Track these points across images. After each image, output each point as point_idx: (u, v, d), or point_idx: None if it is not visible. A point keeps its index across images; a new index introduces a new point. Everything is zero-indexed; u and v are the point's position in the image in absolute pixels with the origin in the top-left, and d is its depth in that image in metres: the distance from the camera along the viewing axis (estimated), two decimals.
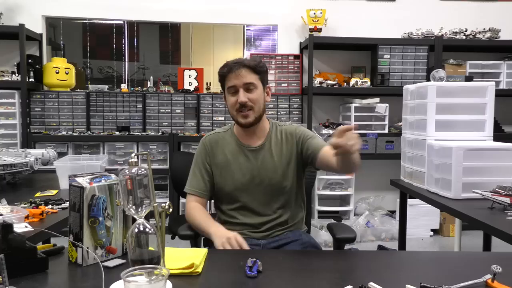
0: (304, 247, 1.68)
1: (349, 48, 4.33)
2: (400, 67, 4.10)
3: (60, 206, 1.76)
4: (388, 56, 4.09)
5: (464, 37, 4.20)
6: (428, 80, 2.86)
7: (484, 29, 4.20)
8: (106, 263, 1.19)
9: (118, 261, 1.22)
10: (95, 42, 6.04)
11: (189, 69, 4.32)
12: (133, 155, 1.11)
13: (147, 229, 1.08)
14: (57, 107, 4.01)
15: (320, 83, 4.12)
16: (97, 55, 6.15)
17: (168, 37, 6.24)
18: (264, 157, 1.71)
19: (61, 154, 3.22)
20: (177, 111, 4.10)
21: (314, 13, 4.14)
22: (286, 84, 4.25)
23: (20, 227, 1.40)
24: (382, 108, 4.09)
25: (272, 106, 4.13)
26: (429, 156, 2.49)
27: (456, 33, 4.20)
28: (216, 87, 4.48)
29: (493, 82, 2.61)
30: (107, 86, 4.75)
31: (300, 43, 4.34)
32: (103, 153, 3.90)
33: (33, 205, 1.74)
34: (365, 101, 4.08)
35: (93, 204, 1.20)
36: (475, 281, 1.09)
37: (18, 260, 1.10)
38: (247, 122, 1.67)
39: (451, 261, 1.39)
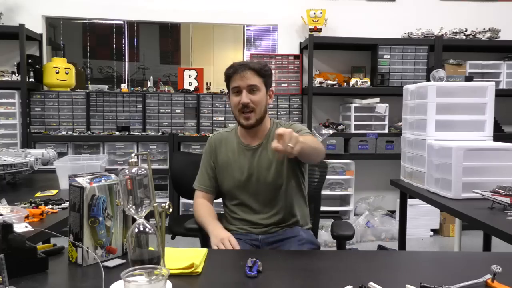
0: (301, 243, 1.68)
1: (349, 48, 4.33)
2: (400, 67, 4.10)
3: (60, 206, 1.76)
4: (388, 56, 4.09)
5: (464, 37, 4.20)
6: (428, 80, 2.86)
7: (484, 29, 4.20)
8: (106, 263, 1.19)
9: (118, 261, 1.22)
10: (95, 42, 6.04)
11: (189, 69, 4.32)
12: (133, 155, 1.11)
13: (147, 229, 1.08)
14: (57, 107, 4.01)
15: (320, 83, 4.12)
16: (97, 55, 6.15)
17: (168, 37, 6.24)
18: (261, 156, 1.76)
19: (61, 154, 3.22)
20: (177, 111, 4.10)
21: (314, 13, 4.14)
22: (286, 84, 4.25)
23: (20, 227, 1.40)
24: (382, 108, 4.09)
25: (272, 106, 4.13)
26: (429, 156, 2.49)
27: (456, 33, 4.20)
28: (216, 87, 4.48)
29: (493, 82, 2.61)
30: (107, 86, 4.75)
31: (300, 43, 4.34)
32: (103, 153, 3.90)
33: (33, 205, 1.74)
34: (365, 101, 4.08)
35: (93, 204, 1.20)
36: (475, 281, 1.09)
37: (18, 260, 1.10)
38: (249, 124, 1.72)
39: (451, 261, 1.39)
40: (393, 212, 4.21)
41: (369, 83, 4.11)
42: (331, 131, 4.01)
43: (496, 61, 4.26)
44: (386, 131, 4.13)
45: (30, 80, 3.92)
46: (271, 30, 4.78)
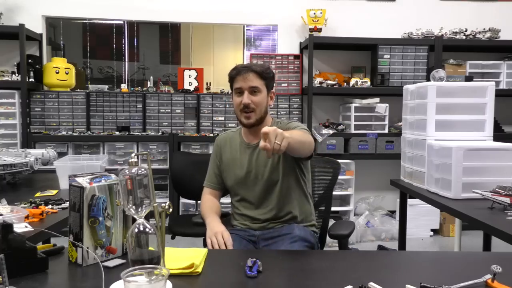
0: (293, 241, 1.70)
1: (349, 48, 4.33)
2: (400, 67, 4.10)
3: (60, 206, 1.77)
4: (388, 56, 4.09)
5: (464, 37, 4.20)
6: (428, 80, 2.86)
7: (484, 29, 4.20)
8: (106, 263, 1.19)
9: (118, 261, 1.22)
10: (95, 42, 6.04)
11: (189, 69, 4.32)
12: (133, 155, 1.11)
13: (147, 229, 1.08)
14: (57, 107, 4.01)
15: (320, 83, 4.12)
16: (97, 55, 6.15)
17: (168, 37, 6.24)
18: (259, 153, 1.82)
19: (61, 154, 3.22)
20: (177, 111, 4.10)
21: (314, 13, 4.14)
22: (286, 84, 4.25)
23: (20, 227, 1.40)
24: (382, 108, 4.09)
25: (272, 106, 4.12)
26: (429, 156, 2.49)
27: (456, 33, 4.20)
28: (216, 87, 4.48)
29: (493, 82, 2.61)
30: (107, 86, 4.75)
31: (300, 43, 4.34)
32: (103, 153, 3.90)
33: (33, 205, 1.74)
34: (365, 101, 4.08)
35: (93, 204, 1.20)
36: (475, 281, 1.09)
37: (18, 260, 1.10)
38: (249, 123, 1.80)
39: (451, 261, 1.39)
40: (393, 212, 4.21)
41: (369, 83, 4.11)
42: (331, 131, 4.01)
43: (496, 61, 4.26)
44: (386, 131, 4.13)
45: (30, 80, 3.92)
46: (271, 30, 4.78)
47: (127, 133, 4.03)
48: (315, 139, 3.92)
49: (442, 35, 4.18)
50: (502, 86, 4.18)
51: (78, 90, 4.21)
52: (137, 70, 6.17)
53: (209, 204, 1.89)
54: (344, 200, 4.25)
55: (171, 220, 3.01)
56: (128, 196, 1.07)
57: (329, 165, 2.12)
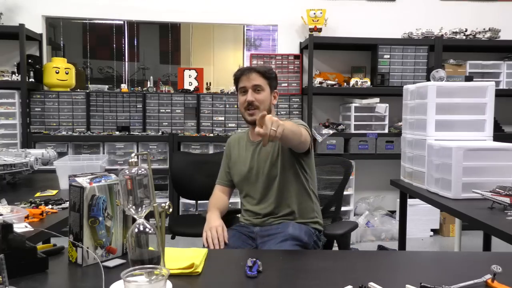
0: (284, 239, 1.71)
1: (349, 48, 4.33)
2: (400, 67, 4.10)
3: (60, 206, 1.77)
4: (388, 56, 4.09)
5: (464, 37, 4.20)
6: (428, 80, 2.86)
7: (484, 29, 4.20)
8: (106, 263, 1.19)
9: (118, 261, 1.22)
10: (95, 42, 6.03)
11: (189, 69, 4.32)
12: (133, 155, 1.11)
13: (147, 229, 1.08)
14: (57, 107, 4.01)
15: (320, 83, 4.12)
16: (97, 55, 6.15)
17: (168, 37, 6.24)
18: (261, 150, 1.89)
19: (61, 154, 3.22)
20: (177, 111, 4.10)
21: (314, 13, 4.14)
22: (286, 84, 4.25)
23: (20, 227, 1.40)
24: (382, 108, 4.09)
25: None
26: (429, 156, 2.49)
27: (456, 33, 4.20)
28: (216, 87, 4.48)
29: (493, 82, 2.61)
30: (107, 86, 4.75)
31: (300, 43, 4.34)
32: (103, 153, 3.90)
33: (33, 205, 1.74)
34: (365, 101, 4.08)
35: (93, 204, 1.20)
36: (475, 281, 1.09)
37: (18, 260, 1.10)
38: (252, 120, 1.84)
39: (451, 261, 1.39)
40: (393, 212, 4.21)
41: (369, 83, 4.11)
42: (331, 131, 4.01)
43: (496, 61, 4.26)
44: (386, 131, 4.13)
45: (30, 80, 3.92)
46: (271, 30, 4.77)
47: (127, 133, 4.03)
48: (315, 139, 3.93)
49: (442, 35, 4.18)
50: (502, 86, 4.18)
51: (78, 90, 4.21)
52: (137, 70, 6.17)
53: (214, 201, 1.98)
54: (344, 200, 4.23)
55: (171, 220, 3.01)
56: (128, 196, 1.07)
57: (341, 165, 2.15)
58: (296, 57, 4.28)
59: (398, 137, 3.78)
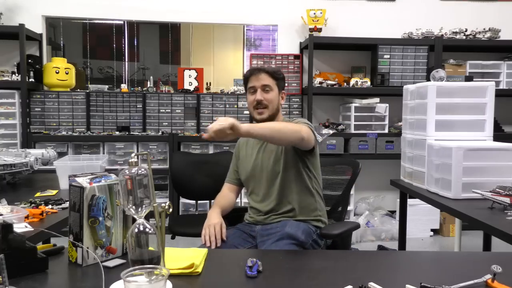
0: (280, 238, 1.71)
1: (349, 48, 4.33)
2: (400, 67, 4.10)
3: (60, 206, 1.77)
4: (388, 56, 4.09)
5: (464, 37, 4.20)
6: (428, 80, 2.86)
7: (484, 29, 4.20)
8: (106, 263, 1.19)
9: (118, 261, 1.22)
10: (95, 42, 6.03)
11: (189, 69, 4.32)
12: (133, 155, 1.11)
13: (147, 229, 1.08)
14: (57, 107, 4.01)
15: (320, 83, 4.12)
16: (97, 55, 6.15)
17: (168, 37, 6.24)
18: (266, 147, 1.93)
19: (61, 154, 3.22)
20: (177, 111, 4.10)
21: (314, 13, 4.14)
22: (286, 84, 4.23)
23: (20, 227, 1.40)
24: (382, 108, 4.09)
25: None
26: (429, 156, 2.49)
27: (456, 33, 4.20)
28: (216, 87, 4.48)
29: (493, 82, 2.61)
30: (107, 86, 4.74)
31: (300, 43, 4.34)
32: (103, 153, 3.90)
33: (33, 205, 1.74)
34: (365, 101, 4.07)
35: (93, 204, 1.20)
36: (475, 281, 1.09)
37: (18, 260, 1.10)
38: (261, 119, 1.89)
39: (451, 261, 1.39)
40: (393, 212, 4.21)
41: (369, 83, 4.11)
42: (331, 131, 4.01)
43: (496, 61, 4.26)
44: (386, 131, 4.13)
45: (30, 80, 3.92)
46: (271, 30, 4.77)
47: (127, 133, 4.02)
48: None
49: (442, 35, 4.18)
50: (502, 86, 4.18)
51: (78, 90, 4.21)
52: (137, 70, 6.17)
53: (219, 198, 2.02)
54: None
55: (171, 220, 3.01)
56: (128, 196, 1.07)
57: (349, 165, 2.17)
58: (296, 57, 4.28)
59: (398, 137, 3.78)
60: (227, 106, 4.12)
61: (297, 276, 1.18)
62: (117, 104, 4.06)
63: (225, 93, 4.20)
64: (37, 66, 4.05)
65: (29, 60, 3.99)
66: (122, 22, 5.54)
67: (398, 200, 3.00)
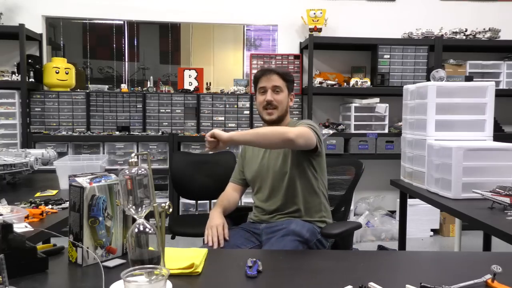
0: (285, 234, 1.73)
1: (349, 48, 4.33)
2: (400, 67, 4.10)
3: (60, 206, 1.77)
4: (388, 56, 4.09)
5: (464, 37, 4.20)
6: (428, 80, 2.86)
7: (484, 29, 4.20)
8: (106, 263, 1.19)
9: (118, 261, 1.22)
10: (95, 42, 6.03)
11: (189, 69, 4.32)
12: (133, 155, 1.11)
13: (147, 229, 1.08)
14: (57, 107, 4.01)
15: (320, 83, 4.12)
16: (97, 55, 6.15)
17: (168, 37, 6.24)
18: None
19: (61, 154, 3.22)
20: (177, 111, 4.10)
21: (314, 13, 4.14)
22: None
23: (20, 227, 1.40)
24: (382, 108, 4.09)
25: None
26: (429, 156, 2.49)
27: (456, 33, 4.20)
28: (216, 87, 4.48)
29: (493, 82, 2.61)
30: (107, 86, 4.74)
31: (300, 43, 4.34)
32: (103, 153, 3.90)
33: (33, 205, 1.74)
34: (365, 101, 4.07)
35: (93, 204, 1.20)
36: (475, 281, 1.09)
37: (18, 260, 1.10)
38: (271, 119, 1.92)
39: (451, 261, 1.39)
40: (393, 212, 4.21)
41: (369, 83, 4.11)
42: (331, 131, 4.01)
43: (496, 61, 4.26)
44: (386, 131, 4.13)
45: (30, 80, 3.92)
46: (271, 30, 4.78)
47: (127, 133, 4.02)
48: None
49: (442, 35, 4.18)
50: (502, 86, 4.18)
51: (78, 90, 4.21)
52: (137, 70, 6.17)
53: (222, 197, 2.02)
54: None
55: (171, 220, 3.01)
56: (128, 196, 1.07)
57: (352, 165, 2.18)
58: (296, 57, 4.28)
59: (398, 137, 3.78)
60: (227, 106, 4.12)
61: (297, 276, 1.18)
62: (117, 104, 4.06)
63: (225, 93, 4.19)
64: (37, 66, 4.05)
65: (29, 60, 3.99)
66: (122, 22, 5.54)
67: (398, 200, 3.00)
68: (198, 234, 2.59)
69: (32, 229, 1.43)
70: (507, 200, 1.92)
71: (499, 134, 3.52)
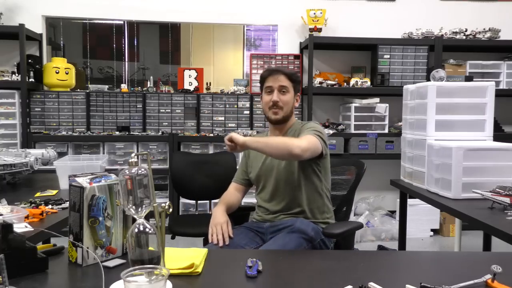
0: (291, 231, 1.75)
1: (349, 48, 4.33)
2: (400, 67, 4.10)
3: (60, 206, 1.77)
4: (388, 56, 4.09)
5: (464, 37, 4.20)
6: (428, 80, 2.86)
7: (484, 29, 4.20)
8: (106, 263, 1.19)
9: (118, 261, 1.22)
10: (95, 42, 6.03)
11: (189, 69, 4.32)
12: (133, 155, 1.11)
13: (147, 229, 1.08)
14: (57, 107, 4.01)
15: (320, 83, 4.12)
16: (97, 55, 6.15)
17: (168, 37, 6.24)
18: None
19: (61, 154, 3.22)
20: (177, 111, 4.10)
21: (314, 13, 4.14)
22: None
23: (20, 227, 1.40)
24: (382, 108, 4.09)
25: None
26: (429, 156, 2.49)
27: (456, 33, 4.20)
28: (216, 87, 4.48)
29: (493, 82, 2.61)
30: (107, 86, 4.74)
31: (300, 43, 4.34)
32: (103, 153, 3.90)
33: (33, 205, 1.74)
34: (365, 101, 4.07)
35: (93, 204, 1.20)
36: (475, 281, 1.09)
37: (18, 260, 1.10)
38: (276, 119, 1.93)
39: (451, 261, 1.39)
40: (393, 212, 4.21)
41: (369, 83, 4.11)
42: (331, 131, 4.01)
43: (496, 61, 4.25)
44: (386, 131, 4.13)
45: (30, 80, 3.92)
46: (271, 30, 4.78)
47: (127, 133, 4.02)
48: None
49: (442, 35, 4.18)
50: (502, 86, 4.18)
51: (78, 90, 4.21)
52: (137, 70, 6.17)
53: (225, 196, 2.03)
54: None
55: (171, 220, 3.01)
56: (128, 196, 1.07)
57: (354, 165, 2.19)
58: (296, 57, 4.28)
59: (398, 137, 3.78)
60: (227, 106, 4.12)
61: (297, 276, 1.18)
62: (117, 104, 4.06)
63: (225, 93, 4.19)
64: (37, 66, 4.05)
65: (29, 60, 3.98)
66: (122, 22, 5.54)
67: (398, 200, 3.00)
68: (198, 234, 2.60)
69: (32, 229, 1.43)
70: (507, 200, 1.92)
71: (499, 134, 3.52)
